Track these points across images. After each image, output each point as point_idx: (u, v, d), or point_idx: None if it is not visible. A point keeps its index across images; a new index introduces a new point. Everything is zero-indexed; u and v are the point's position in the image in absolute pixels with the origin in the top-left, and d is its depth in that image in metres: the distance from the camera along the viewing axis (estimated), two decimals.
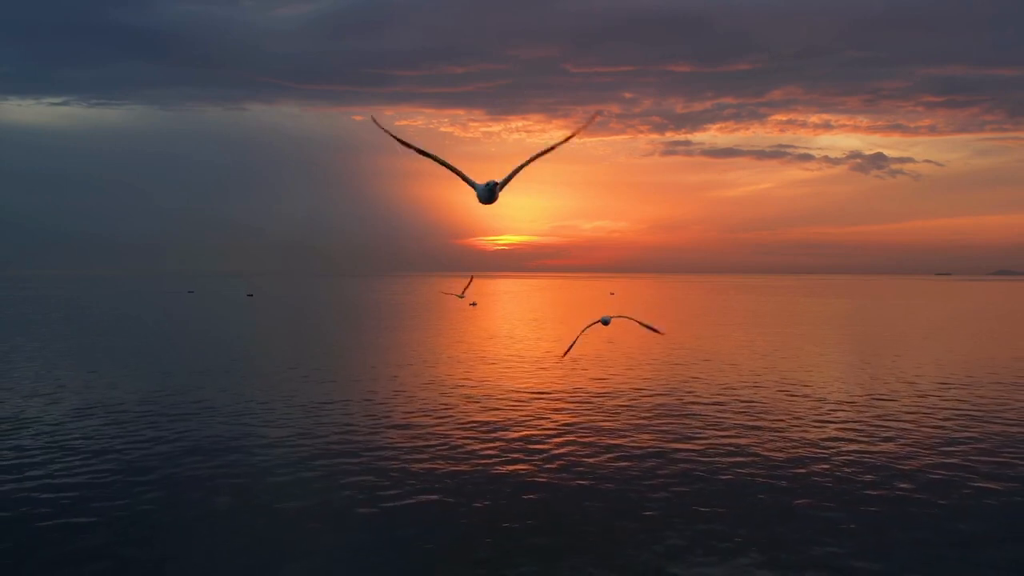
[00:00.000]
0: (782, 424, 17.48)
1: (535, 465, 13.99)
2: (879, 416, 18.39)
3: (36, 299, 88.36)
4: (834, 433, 16.57)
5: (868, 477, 13.26)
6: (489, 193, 7.60)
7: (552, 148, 7.97)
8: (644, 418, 18.17)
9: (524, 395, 21.34)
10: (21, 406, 19.38)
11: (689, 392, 21.89)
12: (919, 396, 21.28)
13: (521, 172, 7.72)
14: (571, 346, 20.00)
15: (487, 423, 17.53)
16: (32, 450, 14.89)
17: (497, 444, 15.55)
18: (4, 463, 13.95)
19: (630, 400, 20.57)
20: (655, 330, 15.86)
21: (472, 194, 7.74)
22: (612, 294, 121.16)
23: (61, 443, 15.44)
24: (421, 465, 13.86)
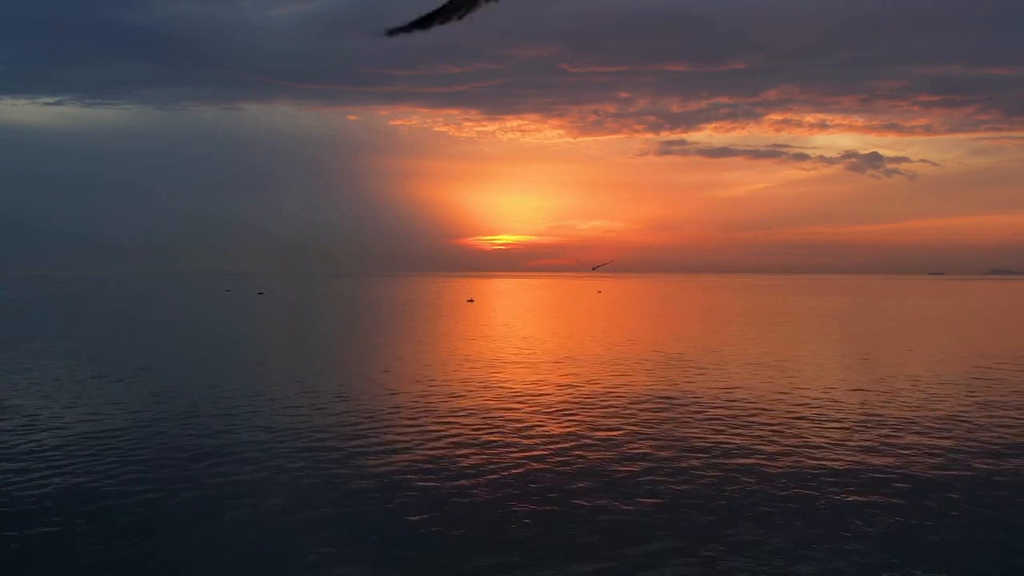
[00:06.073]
0: (778, 423, 18.02)
1: (540, 464, 14.46)
2: (871, 415, 18.93)
3: (62, 299, 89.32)
4: (830, 430, 17.08)
5: (864, 476, 13.56)
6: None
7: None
8: (639, 417, 19.16)
9: (523, 394, 22.83)
10: (60, 402, 21.24)
11: (685, 390, 23.14)
12: (913, 395, 21.87)
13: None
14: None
15: (487, 421, 18.51)
16: (43, 447, 15.26)
17: (498, 442, 16.31)
18: (9, 461, 14.37)
19: (626, 398, 22.04)
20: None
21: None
22: (599, 292, 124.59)
23: (69, 441, 15.87)
24: (423, 463, 14.38)
